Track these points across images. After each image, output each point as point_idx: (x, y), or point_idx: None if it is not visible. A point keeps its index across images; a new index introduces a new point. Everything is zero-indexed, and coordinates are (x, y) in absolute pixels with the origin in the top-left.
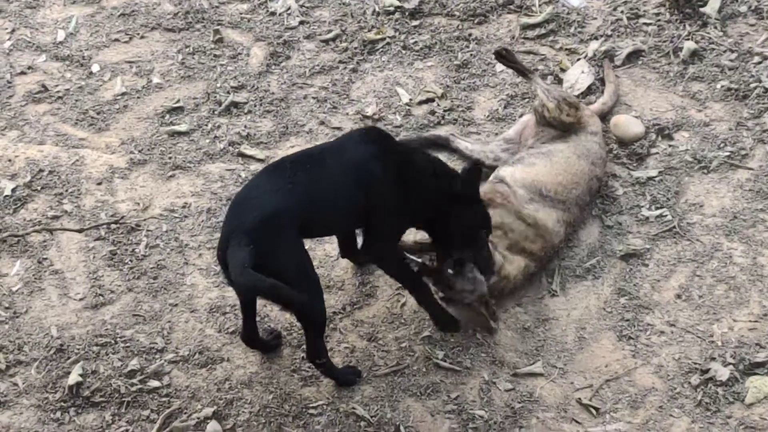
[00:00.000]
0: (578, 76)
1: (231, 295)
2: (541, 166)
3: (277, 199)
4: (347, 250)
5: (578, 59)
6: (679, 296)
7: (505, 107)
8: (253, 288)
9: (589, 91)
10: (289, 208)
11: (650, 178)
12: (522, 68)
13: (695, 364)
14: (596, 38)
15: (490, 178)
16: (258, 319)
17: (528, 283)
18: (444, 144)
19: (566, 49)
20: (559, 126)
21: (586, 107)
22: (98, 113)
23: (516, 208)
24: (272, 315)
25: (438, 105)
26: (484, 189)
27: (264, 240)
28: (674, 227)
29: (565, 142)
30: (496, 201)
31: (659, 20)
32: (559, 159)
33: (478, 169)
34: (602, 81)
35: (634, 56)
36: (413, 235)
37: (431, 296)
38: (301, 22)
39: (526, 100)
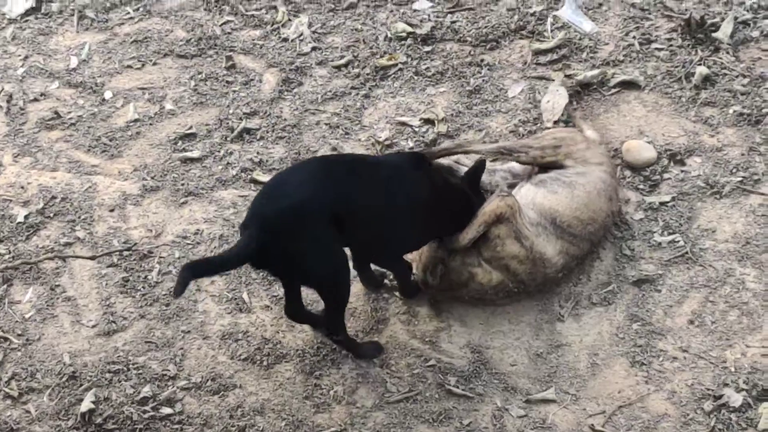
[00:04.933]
0: (554, 99)
1: (243, 321)
2: (563, 197)
3: (310, 189)
4: (360, 266)
5: (548, 84)
6: (691, 322)
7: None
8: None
9: (566, 114)
10: (320, 201)
11: (663, 204)
12: (455, 151)
13: (708, 390)
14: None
15: (500, 190)
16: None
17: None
18: (447, 172)
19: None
20: (554, 167)
21: (578, 140)
22: (111, 140)
23: (517, 227)
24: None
25: (435, 127)
26: (493, 202)
27: (285, 228)
28: (687, 253)
29: (583, 176)
30: (504, 215)
31: (671, 45)
32: (580, 193)
33: (483, 167)
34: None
35: (625, 85)
36: None
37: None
38: (314, 49)
39: (538, 125)
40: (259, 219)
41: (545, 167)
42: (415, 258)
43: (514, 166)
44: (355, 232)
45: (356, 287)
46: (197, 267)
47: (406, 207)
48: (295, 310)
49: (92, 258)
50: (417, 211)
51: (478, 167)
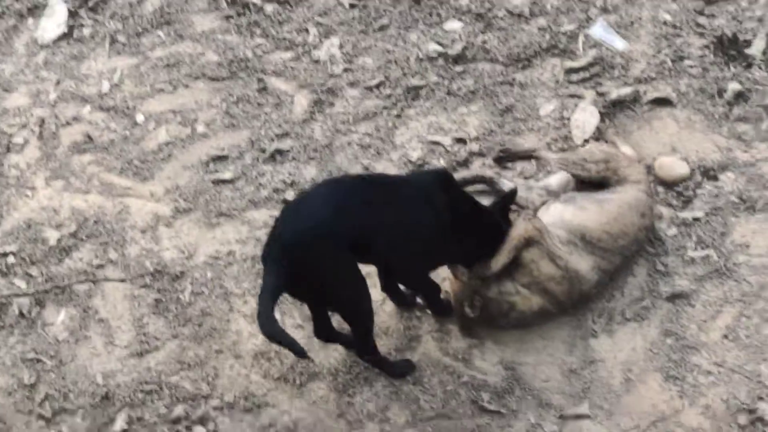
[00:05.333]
0: (584, 118)
1: None
2: (592, 212)
3: (328, 211)
4: (388, 286)
5: (578, 103)
6: (726, 336)
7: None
8: (271, 338)
9: (598, 131)
10: (339, 223)
11: (696, 219)
12: (526, 154)
13: (743, 404)
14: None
15: (525, 214)
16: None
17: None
18: (488, 183)
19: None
20: (598, 183)
21: (620, 156)
22: (143, 162)
23: (548, 248)
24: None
25: (467, 146)
26: (520, 227)
27: (304, 252)
28: (720, 268)
29: (616, 193)
30: (534, 238)
31: (703, 62)
32: (610, 207)
33: (514, 195)
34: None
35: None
36: None
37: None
38: (345, 70)
39: (569, 144)
40: (278, 246)
41: (596, 183)
42: (449, 291)
43: (550, 183)
44: (378, 253)
45: (389, 306)
46: (270, 321)
47: (427, 228)
48: (324, 331)
49: (123, 281)
50: (439, 232)
51: (510, 195)
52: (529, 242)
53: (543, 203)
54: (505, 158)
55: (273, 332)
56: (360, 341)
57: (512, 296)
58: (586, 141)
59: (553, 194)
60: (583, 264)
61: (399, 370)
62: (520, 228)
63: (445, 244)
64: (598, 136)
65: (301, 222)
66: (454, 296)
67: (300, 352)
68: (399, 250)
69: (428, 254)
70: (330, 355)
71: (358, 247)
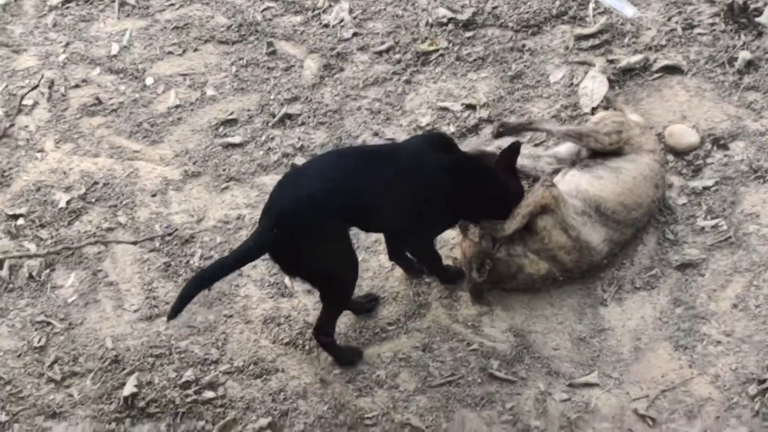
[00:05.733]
0: (592, 86)
1: (285, 306)
2: (608, 182)
3: (325, 183)
4: (395, 253)
5: (587, 70)
6: (735, 306)
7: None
8: (185, 290)
9: (606, 100)
10: (333, 194)
11: (706, 188)
12: (528, 127)
13: (752, 374)
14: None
15: (544, 180)
16: None
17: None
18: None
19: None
20: (610, 153)
21: (632, 125)
22: (152, 126)
23: (562, 218)
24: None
25: (476, 112)
26: (537, 192)
27: (295, 222)
28: (730, 237)
29: (631, 162)
30: (549, 206)
31: (714, 30)
32: (626, 178)
33: (518, 150)
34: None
35: (668, 70)
36: None
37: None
38: (355, 34)
39: (578, 111)
40: (274, 210)
41: (609, 154)
42: (459, 254)
43: (559, 151)
44: (380, 221)
45: (398, 271)
46: (206, 277)
47: (427, 193)
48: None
49: (134, 243)
50: (439, 195)
51: (512, 150)
52: (544, 209)
53: (557, 170)
54: (504, 132)
55: (189, 288)
56: (325, 321)
57: (520, 259)
58: (594, 109)
59: (563, 162)
60: (595, 236)
61: (348, 358)
62: (537, 194)
63: (447, 206)
64: (607, 104)
65: (297, 192)
66: (465, 261)
67: (169, 314)
68: (399, 220)
69: (429, 220)
70: (340, 321)
71: (358, 219)
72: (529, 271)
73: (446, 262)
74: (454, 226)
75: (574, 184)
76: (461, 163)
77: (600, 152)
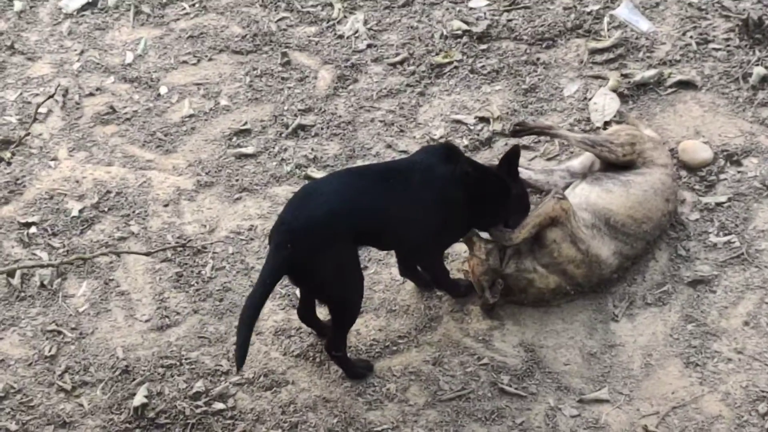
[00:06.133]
0: (604, 102)
1: (296, 318)
2: (617, 195)
3: (337, 201)
4: (406, 269)
5: (601, 85)
6: (746, 323)
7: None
8: (239, 327)
9: (619, 115)
10: (346, 214)
11: (719, 204)
12: (545, 130)
13: (763, 392)
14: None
15: (555, 192)
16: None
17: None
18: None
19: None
20: (622, 167)
21: (646, 139)
22: (166, 135)
23: (572, 231)
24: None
25: (490, 125)
26: (548, 204)
27: (308, 241)
28: (742, 254)
29: (642, 175)
30: (559, 219)
31: (728, 45)
32: (636, 191)
33: (518, 153)
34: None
35: (682, 85)
36: None
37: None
38: (369, 46)
39: (591, 125)
40: (284, 230)
41: (621, 167)
42: (468, 273)
43: (573, 164)
44: (393, 240)
45: (410, 285)
46: (249, 315)
47: (440, 207)
48: (306, 314)
49: (147, 254)
50: (452, 207)
51: (512, 153)
52: (554, 221)
53: (568, 185)
54: (521, 131)
55: (242, 334)
56: (336, 337)
57: (530, 273)
58: (607, 123)
59: (576, 176)
60: (605, 249)
61: (359, 371)
62: (547, 205)
63: (458, 217)
64: (620, 119)
65: (310, 210)
66: (474, 280)
67: (237, 361)
68: (412, 237)
69: (441, 233)
70: (350, 333)
71: (368, 238)
72: (539, 285)
73: (458, 275)
74: (464, 236)
75: (583, 196)
76: (469, 171)
77: (613, 164)
